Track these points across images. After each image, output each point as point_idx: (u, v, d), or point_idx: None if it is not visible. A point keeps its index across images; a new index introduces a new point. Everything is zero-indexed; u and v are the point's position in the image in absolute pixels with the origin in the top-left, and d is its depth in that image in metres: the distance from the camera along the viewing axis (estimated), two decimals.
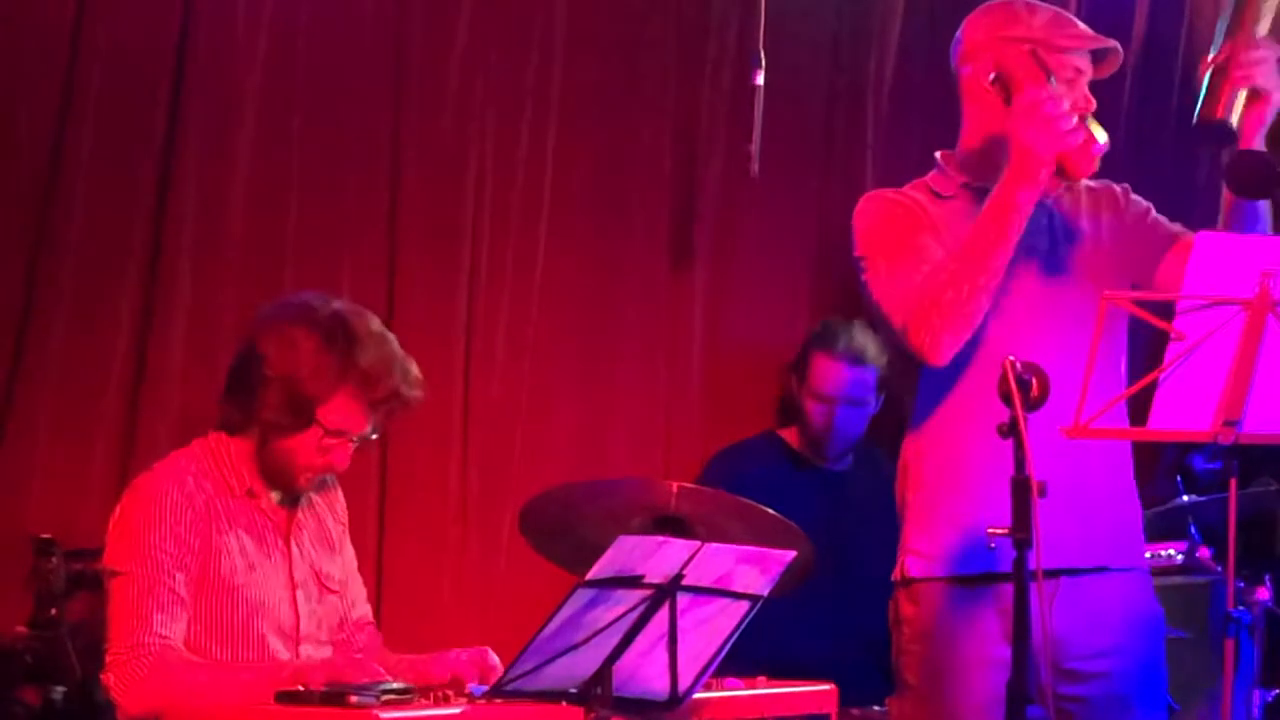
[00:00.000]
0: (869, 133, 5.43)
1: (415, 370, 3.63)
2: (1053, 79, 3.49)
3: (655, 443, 5.14)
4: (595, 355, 5.08)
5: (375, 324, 3.64)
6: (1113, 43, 3.63)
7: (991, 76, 3.57)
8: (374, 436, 3.64)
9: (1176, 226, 3.64)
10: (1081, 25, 3.64)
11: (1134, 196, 3.72)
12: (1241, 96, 3.44)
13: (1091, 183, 3.71)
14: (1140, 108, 5.84)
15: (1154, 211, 3.70)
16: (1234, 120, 3.43)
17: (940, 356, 3.48)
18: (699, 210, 5.22)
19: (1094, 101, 3.59)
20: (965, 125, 3.67)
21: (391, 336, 3.64)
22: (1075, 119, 3.47)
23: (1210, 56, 3.46)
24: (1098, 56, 3.64)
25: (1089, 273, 3.61)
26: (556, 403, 4.99)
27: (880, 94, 5.41)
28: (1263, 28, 3.45)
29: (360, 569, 3.86)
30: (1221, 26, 3.48)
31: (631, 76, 5.13)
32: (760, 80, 4.65)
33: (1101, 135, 3.49)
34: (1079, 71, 3.60)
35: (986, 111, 3.61)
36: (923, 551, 3.59)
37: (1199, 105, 3.46)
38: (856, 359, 4.86)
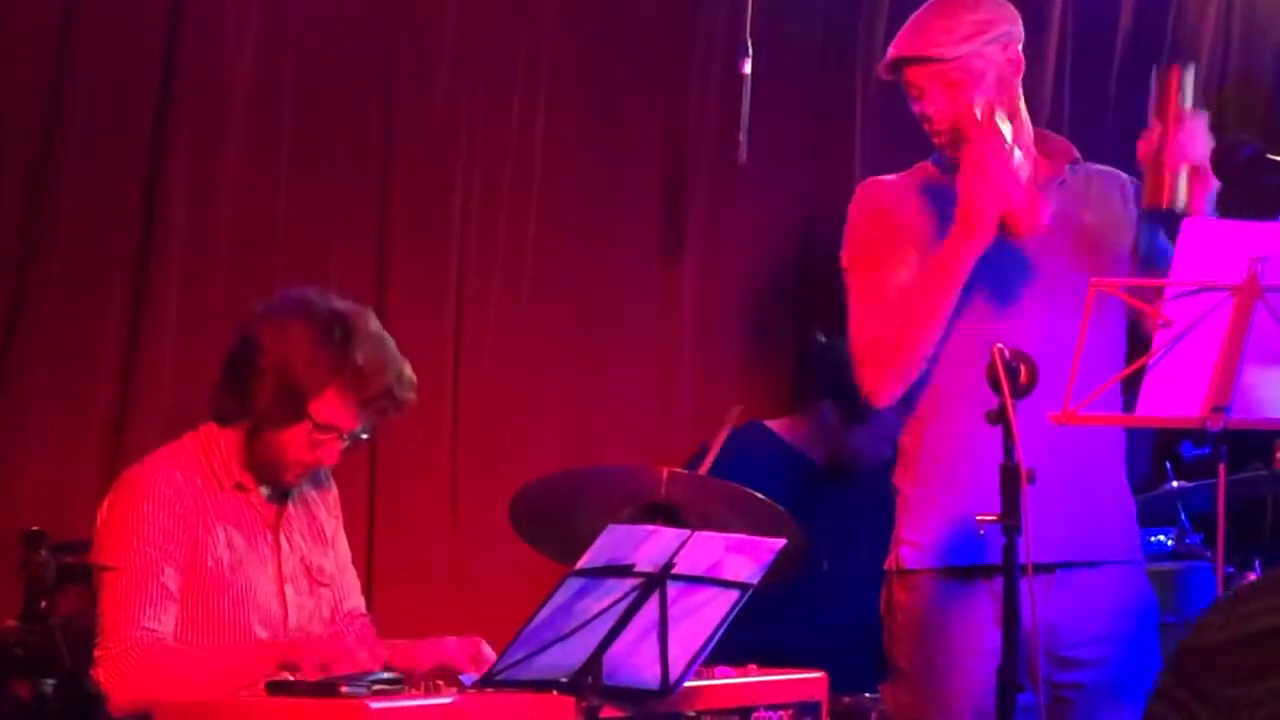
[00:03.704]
0: (858, 120, 5.43)
1: (409, 373, 3.64)
2: (1008, 134, 3.50)
3: (646, 432, 5.14)
4: (585, 345, 5.07)
5: (375, 324, 3.64)
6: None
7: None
8: (364, 436, 3.64)
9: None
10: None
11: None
12: (1183, 174, 3.47)
13: (1101, 168, 3.73)
14: (1127, 101, 5.84)
15: (1161, 233, 3.70)
16: (1180, 203, 3.46)
17: (881, 401, 3.60)
18: (689, 199, 5.22)
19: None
20: None
21: (390, 338, 3.65)
22: (1024, 176, 3.49)
23: (1143, 137, 3.49)
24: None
25: (1090, 258, 3.62)
26: (547, 392, 4.99)
27: (869, 81, 5.41)
28: (1187, 99, 3.48)
29: (351, 560, 3.86)
30: (1151, 104, 3.51)
31: (620, 65, 5.12)
32: (748, 69, 4.65)
33: (1007, 129, 3.50)
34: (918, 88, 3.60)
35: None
36: (917, 542, 3.60)
37: (1145, 191, 3.49)
38: None
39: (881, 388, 3.57)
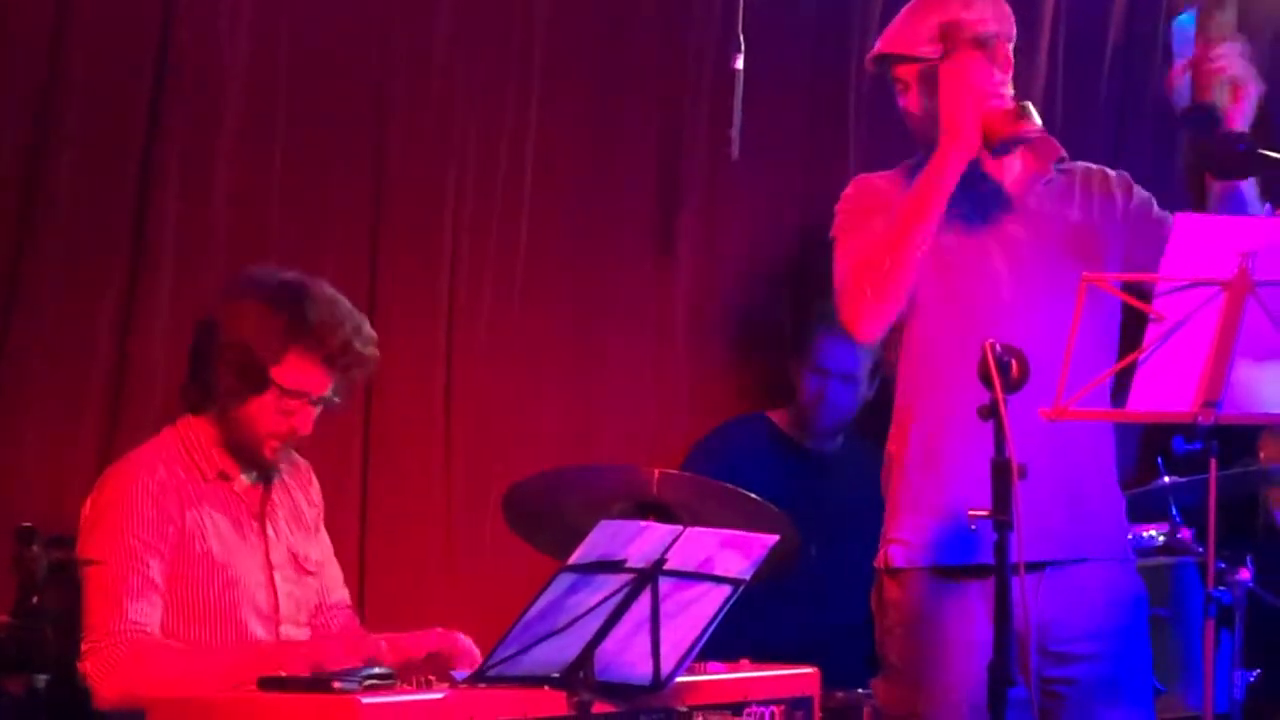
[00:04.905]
0: (851, 116, 5.43)
1: (369, 328, 3.68)
2: (988, 53, 3.55)
3: (641, 428, 5.13)
4: (579, 343, 5.07)
5: (326, 288, 3.68)
6: None
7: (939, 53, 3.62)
8: (336, 400, 3.65)
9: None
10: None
11: (1137, 188, 3.74)
12: (1224, 83, 3.51)
13: (1086, 165, 3.74)
14: (1120, 99, 5.85)
15: (1156, 205, 3.71)
16: (1222, 103, 3.51)
17: (863, 332, 3.58)
18: (683, 196, 5.21)
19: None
20: None
21: (344, 299, 3.68)
22: (1007, 90, 3.54)
23: (1183, 60, 3.53)
24: None
25: (1078, 256, 3.62)
26: (540, 390, 4.99)
27: (863, 77, 5.41)
28: (1227, 26, 3.52)
29: (343, 556, 3.87)
30: (1188, 34, 3.55)
31: (613, 62, 5.12)
32: (740, 64, 4.65)
33: (1036, 120, 3.54)
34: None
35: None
36: (906, 541, 3.60)
37: (1191, 94, 3.51)
38: None
39: (862, 312, 3.55)
